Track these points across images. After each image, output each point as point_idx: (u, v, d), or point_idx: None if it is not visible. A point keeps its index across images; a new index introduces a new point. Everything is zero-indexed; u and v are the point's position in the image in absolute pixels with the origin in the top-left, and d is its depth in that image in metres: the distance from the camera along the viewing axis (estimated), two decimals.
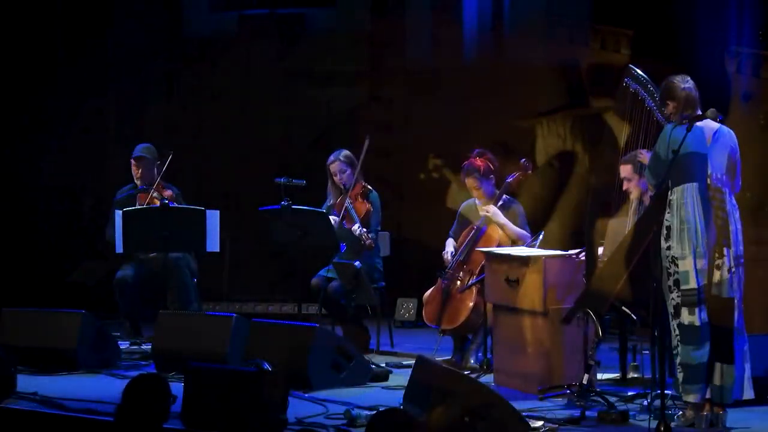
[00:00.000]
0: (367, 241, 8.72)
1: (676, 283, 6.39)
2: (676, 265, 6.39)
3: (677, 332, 6.40)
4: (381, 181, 9.34)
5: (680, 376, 6.38)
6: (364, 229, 8.79)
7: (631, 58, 9.85)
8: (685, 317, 6.37)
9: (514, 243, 8.36)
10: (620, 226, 7.38)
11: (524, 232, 8.43)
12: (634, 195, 7.46)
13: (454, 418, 4.96)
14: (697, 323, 6.35)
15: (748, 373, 6.46)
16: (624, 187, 7.46)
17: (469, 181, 8.52)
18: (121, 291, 9.05)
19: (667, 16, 9.42)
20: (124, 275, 9.07)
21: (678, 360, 6.39)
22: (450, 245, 8.63)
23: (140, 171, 9.21)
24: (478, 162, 8.48)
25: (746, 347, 6.46)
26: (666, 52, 9.05)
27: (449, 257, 8.52)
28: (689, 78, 6.56)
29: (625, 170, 7.42)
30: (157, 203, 8.80)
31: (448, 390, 5.94)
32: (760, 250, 8.39)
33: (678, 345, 6.39)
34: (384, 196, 9.21)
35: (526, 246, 8.13)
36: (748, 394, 6.48)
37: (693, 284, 6.35)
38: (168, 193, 9.10)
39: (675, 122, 6.49)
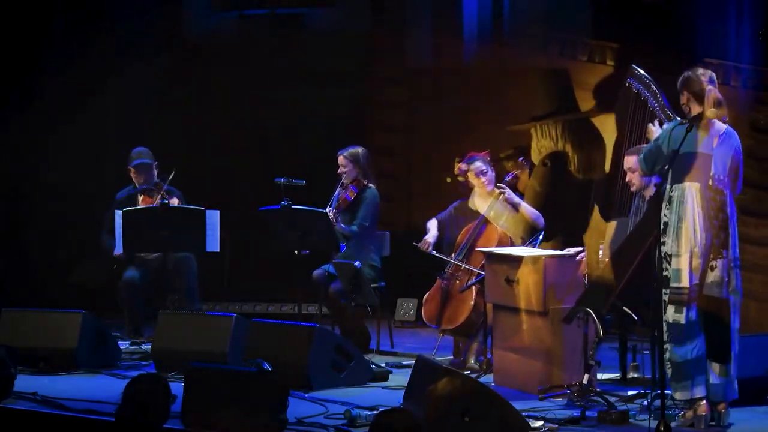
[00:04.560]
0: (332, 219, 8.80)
1: (666, 280, 6.38)
2: (669, 263, 6.38)
3: (665, 329, 6.40)
4: (382, 180, 9.33)
5: (669, 372, 6.38)
6: (334, 211, 8.87)
7: (616, 69, 9.97)
8: (671, 315, 6.37)
9: (514, 238, 8.41)
10: (621, 226, 7.37)
11: (538, 212, 8.54)
12: (635, 187, 7.46)
13: (455, 390, 4.97)
14: (683, 321, 6.35)
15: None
16: (627, 179, 7.47)
17: (477, 165, 8.60)
18: (127, 293, 9.05)
19: (651, 30, 9.69)
20: (132, 277, 9.07)
21: (666, 356, 6.39)
22: (433, 227, 8.73)
23: (142, 177, 9.26)
24: (480, 154, 8.64)
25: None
26: (648, 63, 9.17)
27: (430, 240, 8.63)
28: (712, 74, 6.51)
29: (629, 161, 7.42)
30: None
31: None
32: None
33: (667, 341, 6.39)
34: (384, 195, 9.21)
35: (525, 246, 8.15)
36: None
37: (685, 283, 6.35)
38: (174, 201, 9.10)
39: (680, 120, 6.48)
